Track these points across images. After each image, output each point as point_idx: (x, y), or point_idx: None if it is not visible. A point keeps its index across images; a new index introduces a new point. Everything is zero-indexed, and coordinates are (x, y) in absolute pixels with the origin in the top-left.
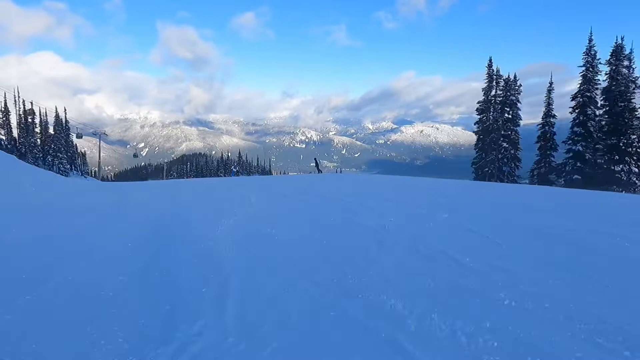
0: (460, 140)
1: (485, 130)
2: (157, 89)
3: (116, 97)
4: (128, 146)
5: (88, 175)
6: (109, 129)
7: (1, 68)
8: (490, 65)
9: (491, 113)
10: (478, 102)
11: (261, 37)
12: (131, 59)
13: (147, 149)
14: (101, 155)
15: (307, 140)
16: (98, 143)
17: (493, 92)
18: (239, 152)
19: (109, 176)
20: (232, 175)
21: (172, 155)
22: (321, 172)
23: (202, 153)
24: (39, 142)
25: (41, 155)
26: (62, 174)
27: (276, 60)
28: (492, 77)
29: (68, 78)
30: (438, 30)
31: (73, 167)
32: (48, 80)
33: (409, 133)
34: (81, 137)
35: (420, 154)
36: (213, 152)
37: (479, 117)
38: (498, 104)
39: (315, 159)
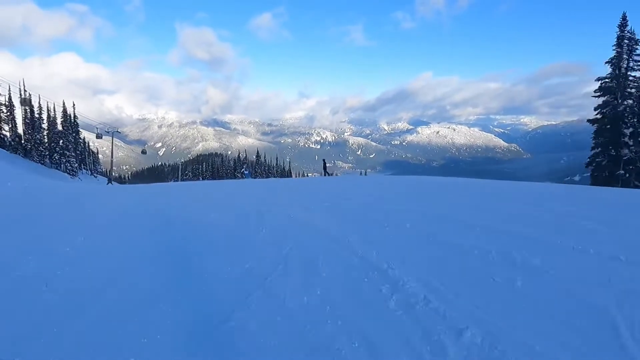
0: (477, 142)
1: (613, 118)
2: (175, 89)
3: (135, 98)
4: (146, 145)
5: (100, 175)
6: (128, 129)
7: (25, 69)
8: (622, 25)
9: (622, 93)
10: (599, 80)
11: (278, 38)
12: (150, 59)
13: (164, 149)
14: (120, 155)
15: (322, 140)
16: (111, 141)
17: (626, 64)
18: (257, 152)
19: (127, 175)
20: (246, 177)
21: (189, 155)
22: (329, 174)
23: (218, 153)
24: (46, 140)
25: (47, 153)
26: (69, 174)
27: (293, 61)
28: (624, 42)
29: (89, 79)
30: (456, 30)
31: (83, 167)
32: (70, 82)
33: (425, 134)
34: (101, 137)
35: (437, 155)
36: (229, 152)
37: (601, 99)
38: (636, 80)
39: (323, 160)
